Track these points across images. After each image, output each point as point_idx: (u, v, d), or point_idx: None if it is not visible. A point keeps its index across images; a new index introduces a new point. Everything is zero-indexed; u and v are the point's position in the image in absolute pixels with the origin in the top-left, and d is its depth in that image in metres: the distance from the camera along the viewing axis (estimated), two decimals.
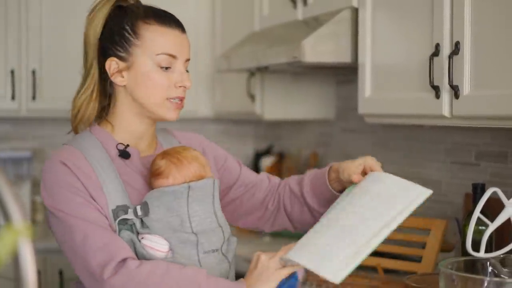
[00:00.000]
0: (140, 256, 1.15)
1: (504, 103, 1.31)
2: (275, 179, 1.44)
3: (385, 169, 2.11)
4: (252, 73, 2.41)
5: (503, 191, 1.31)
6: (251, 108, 2.45)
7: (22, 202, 2.68)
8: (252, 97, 2.44)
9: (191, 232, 1.17)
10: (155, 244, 1.15)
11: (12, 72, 2.62)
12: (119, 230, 1.16)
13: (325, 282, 1.71)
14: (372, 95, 1.75)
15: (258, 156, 2.92)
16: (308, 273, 1.45)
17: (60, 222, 1.17)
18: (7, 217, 0.68)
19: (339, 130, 2.48)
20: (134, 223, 1.17)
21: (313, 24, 1.92)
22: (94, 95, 1.23)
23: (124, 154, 1.22)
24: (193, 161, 1.21)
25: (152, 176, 1.20)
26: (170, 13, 1.27)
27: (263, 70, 2.24)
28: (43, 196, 1.21)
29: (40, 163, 2.94)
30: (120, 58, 1.21)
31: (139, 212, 1.16)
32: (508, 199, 1.30)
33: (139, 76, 1.21)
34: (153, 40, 1.21)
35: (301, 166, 2.68)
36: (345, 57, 1.82)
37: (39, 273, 2.46)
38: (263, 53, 2.02)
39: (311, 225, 1.26)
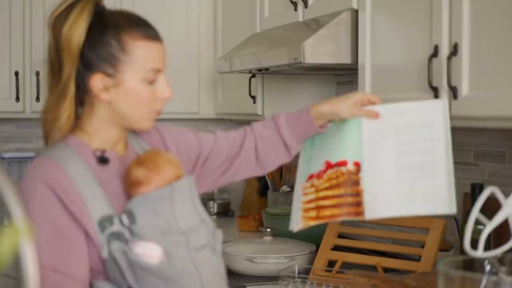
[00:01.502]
0: (133, 265, 1.13)
1: (502, 104, 1.32)
2: (229, 135, 1.43)
3: None
4: (253, 74, 2.42)
5: (502, 191, 1.32)
6: (252, 109, 2.46)
7: (23, 202, 2.69)
8: (253, 98, 2.45)
9: (179, 232, 1.17)
10: (149, 251, 1.15)
11: (17, 73, 2.64)
12: (109, 241, 1.14)
13: (326, 280, 1.73)
14: None
15: None
16: (311, 272, 1.51)
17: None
18: (9, 217, 0.69)
19: None
20: (122, 233, 1.15)
21: (313, 25, 1.93)
22: (72, 106, 1.18)
23: (103, 159, 1.20)
24: (169, 164, 1.22)
25: (132, 186, 1.20)
26: (149, 23, 1.23)
27: (264, 71, 2.26)
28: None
29: None
30: (107, 75, 1.17)
31: (125, 221, 1.15)
32: (506, 198, 1.31)
33: (127, 92, 1.18)
34: (142, 57, 1.18)
35: None
36: (345, 58, 1.83)
37: None
38: (263, 55, 2.03)
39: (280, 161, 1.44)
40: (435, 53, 1.47)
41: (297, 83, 2.49)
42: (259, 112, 2.46)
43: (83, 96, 1.20)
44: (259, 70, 2.20)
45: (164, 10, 2.75)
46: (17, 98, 2.65)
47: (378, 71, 1.73)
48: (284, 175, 2.72)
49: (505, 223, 1.33)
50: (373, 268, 1.78)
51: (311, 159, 1.47)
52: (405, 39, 1.62)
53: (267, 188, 2.75)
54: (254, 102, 2.45)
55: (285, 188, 2.67)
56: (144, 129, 1.25)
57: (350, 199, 1.38)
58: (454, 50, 1.42)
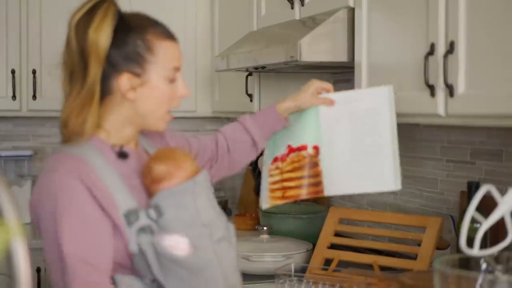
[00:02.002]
0: (161, 257, 1.17)
1: (499, 102, 1.32)
2: (207, 138, 1.55)
3: None
4: (250, 72, 2.42)
5: (498, 189, 1.32)
6: (249, 107, 2.46)
7: (17, 200, 2.68)
8: (250, 96, 2.45)
9: (203, 224, 1.22)
10: (176, 244, 1.18)
11: (13, 71, 2.64)
12: (138, 234, 1.17)
13: (322, 278, 1.73)
14: None
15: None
16: (308, 270, 1.58)
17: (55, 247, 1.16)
18: (0, 215, 0.69)
19: None
20: (150, 226, 1.18)
21: (310, 23, 1.93)
22: (98, 108, 1.20)
23: (123, 154, 1.24)
24: (187, 159, 1.27)
25: (154, 182, 1.23)
26: (165, 24, 1.28)
27: (260, 69, 2.26)
28: (44, 205, 1.17)
29: (40, 162, 2.96)
30: (134, 74, 1.21)
31: (153, 215, 1.19)
32: (502, 196, 1.31)
33: (152, 91, 1.23)
34: (166, 56, 1.23)
35: None
36: (341, 57, 1.83)
37: (38, 270, 2.47)
38: (260, 53, 2.03)
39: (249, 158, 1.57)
40: (431, 51, 1.47)
41: (294, 82, 2.49)
42: (256, 111, 2.46)
43: (105, 96, 1.22)
44: (256, 68, 2.19)
45: (161, 9, 2.74)
46: (14, 97, 2.65)
47: (375, 69, 1.73)
48: None
49: (501, 221, 1.33)
50: (369, 266, 1.77)
51: (275, 144, 1.63)
52: (402, 37, 1.61)
53: None
54: (251, 101, 2.45)
55: None
56: (158, 130, 1.29)
57: (311, 180, 1.55)
58: (451, 48, 1.42)
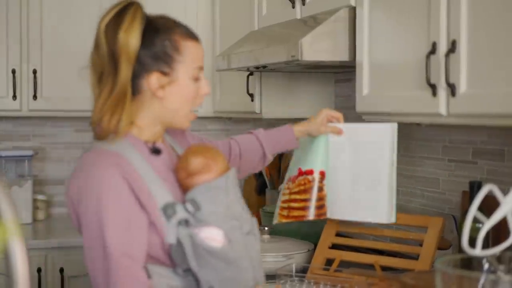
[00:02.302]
0: (198, 249, 1.22)
1: (501, 101, 1.31)
2: (221, 143, 1.64)
3: None
4: (251, 72, 2.41)
5: (500, 189, 1.31)
6: (250, 107, 2.45)
7: (17, 200, 2.69)
8: (251, 96, 2.44)
9: (234, 218, 1.29)
10: (213, 235, 1.25)
11: (14, 71, 2.64)
12: (177, 227, 1.23)
13: (323, 279, 1.72)
14: (370, 93, 1.75)
15: None
16: (309, 271, 1.62)
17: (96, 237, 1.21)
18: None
19: None
20: (188, 220, 1.24)
21: (311, 23, 1.92)
22: (131, 107, 1.26)
23: (156, 150, 1.31)
24: (219, 154, 1.35)
25: (190, 175, 1.29)
26: (188, 25, 1.35)
27: (261, 69, 2.25)
28: (85, 197, 1.22)
29: (41, 162, 2.96)
30: (163, 74, 1.27)
31: (190, 209, 1.25)
32: (504, 196, 1.30)
33: (179, 89, 1.29)
34: (192, 55, 1.29)
35: None
36: (342, 56, 1.82)
37: (39, 270, 2.47)
38: (261, 52, 2.02)
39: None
40: (433, 50, 1.46)
41: (295, 81, 2.48)
42: (257, 110, 2.45)
43: (135, 95, 1.28)
44: (257, 68, 2.19)
45: (162, 8, 2.72)
46: (14, 96, 2.64)
47: (376, 68, 1.72)
48: (282, 174, 2.71)
49: (503, 221, 1.32)
50: (371, 266, 1.77)
51: (292, 165, 1.78)
52: (403, 36, 1.61)
53: (265, 186, 2.75)
54: (252, 100, 2.44)
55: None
56: (183, 128, 1.35)
57: (315, 203, 1.69)
58: (452, 47, 1.41)
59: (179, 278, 1.26)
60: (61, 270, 2.51)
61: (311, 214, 1.68)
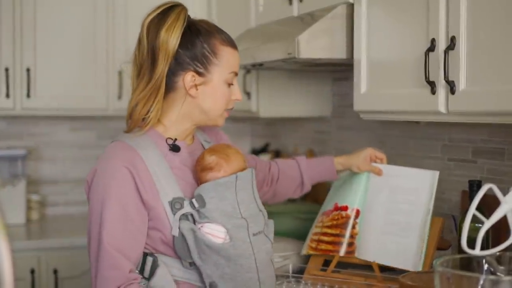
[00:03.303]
0: (199, 243, 1.28)
1: (501, 99, 1.29)
2: (262, 161, 1.70)
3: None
4: (247, 70, 2.39)
5: (500, 188, 1.29)
6: (247, 105, 2.43)
7: (11, 200, 2.66)
8: (248, 94, 2.42)
9: (241, 217, 1.32)
10: (215, 232, 1.30)
11: (7, 70, 2.61)
12: (180, 221, 1.29)
13: (321, 280, 1.70)
14: (368, 91, 1.73)
15: (254, 153, 2.90)
16: (306, 271, 1.61)
17: (96, 221, 1.29)
18: None
19: (335, 127, 2.46)
20: (191, 214, 1.30)
21: (308, 20, 1.90)
22: (162, 100, 1.33)
23: (175, 147, 1.36)
24: (237, 155, 1.38)
25: (203, 170, 1.35)
26: (228, 33, 1.41)
27: (258, 67, 2.23)
28: (96, 185, 1.30)
29: (35, 161, 2.93)
30: (199, 74, 1.35)
31: (196, 204, 1.30)
32: (504, 195, 1.28)
33: (212, 90, 1.36)
34: (228, 61, 1.37)
35: None
36: (340, 53, 1.80)
37: (33, 271, 2.44)
38: (258, 50, 2.00)
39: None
40: (431, 47, 1.44)
41: (293, 80, 2.46)
42: (254, 109, 2.43)
43: (169, 92, 1.35)
44: (254, 65, 2.17)
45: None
46: (7, 95, 2.61)
47: (374, 66, 1.70)
48: None
49: (503, 221, 1.30)
50: (369, 267, 1.75)
51: (329, 199, 1.81)
52: (402, 33, 1.59)
53: None
54: (249, 98, 2.42)
55: None
56: (217, 125, 1.42)
57: (344, 240, 1.70)
58: (451, 44, 1.39)
59: (185, 269, 1.32)
60: (55, 271, 2.48)
61: (341, 251, 1.70)
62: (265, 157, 2.82)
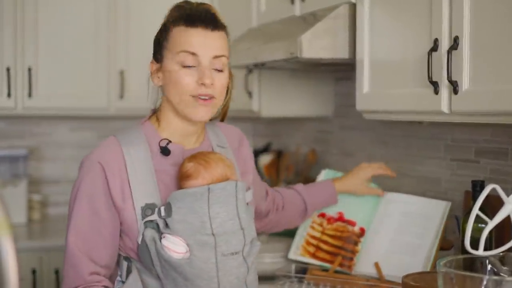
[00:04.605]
0: (159, 255, 1.18)
1: (504, 99, 1.29)
2: (272, 192, 1.63)
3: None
4: (249, 69, 2.39)
5: (503, 188, 1.29)
6: (249, 105, 2.43)
7: (12, 199, 2.65)
8: (249, 94, 2.42)
9: (211, 233, 1.19)
10: (173, 246, 1.18)
11: (8, 69, 2.60)
12: (145, 228, 1.20)
13: (323, 280, 1.69)
14: (370, 91, 1.73)
15: (256, 153, 2.90)
16: (308, 271, 1.62)
17: (69, 219, 1.25)
18: None
19: (338, 127, 2.46)
20: (157, 223, 1.20)
21: (310, 19, 1.90)
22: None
23: (165, 151, 1.26)
24: (219, 162, 1.25)
25: (181, 178, 1.23)
26: (204, 10, 1.28)
27: (260, 66, 2.22)
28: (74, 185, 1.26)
29: (36, 161, 2.93)
30: (156, 60, 1.29)
31: (163, 213, 1.19)
32: (508, 196, 1.28)
33: (167, 75, 1.25)
34: (176, 40, 1.25)
35: (300, 164, 2.66)
36: (342, 53, 1.80)
37: (34, 271, 2.44)
38: (260, 50, 2.00)
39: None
40: (435, 47, 1.44)
41: (295, 79, 2.46)
42: (256, 108, 2.43)
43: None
44: (256, 65, 2.16)
45: (159, 6, 2.71)
46: (9, 95, 2.61)
47: (377, 66, 1.70)
48: (281, 173, 2.69)
49: (507, 221, 1.30)
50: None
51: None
52: (404, 33, 1.58)
53: None
54: (251, 98, 2.42)
55: (282, 186, 2.63)
56: (192, 119, 1.25)
57: (345, 253, 1.70)
58: (455, 44, 1.39)
59: (155, 278, 1.22)
60: (57, 271, 2.48)
61: (337, 262, 1.70)
62: (267, 157, 2.81)
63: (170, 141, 1.27)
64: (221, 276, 1.19)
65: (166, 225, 1.20)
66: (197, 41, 1.24)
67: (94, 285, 1.22)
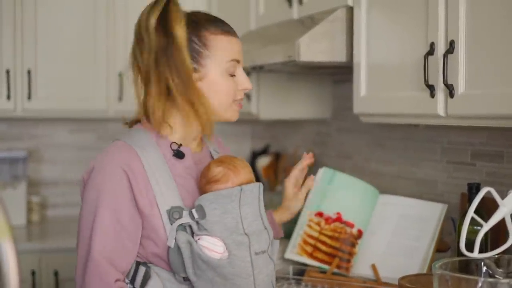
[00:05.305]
0: (197, 256, 1.19)
1: (499, 102, 1.30)
2: None
3: (383, 168, 2.10)
4: (247, 72, 2.40)
5: (499, 191, 1.30)
6: (247, 107, 2.44)
7: (11, 202, 2.66)
8: (248, 96, 2.43)
9: (244, 233, 1.21)
10: (212, 246, 1.20)
11: (8, 71, 2.61)
12: (176, 232, 1.20)
13: (321, 282, 1.70)
14: (367, 94, 1.74)
15: (254, 155, 2.91)
16: (306, 273, 1.62)
17: (88, 220, 1.21)
18: None
19: (335, 129, 2.47)
20: (190, 225, 1.21)
21: (308, 23, 1.91)
22: (163, 100, 1.25)
23: (179, 154, 1.27)
24: (246, 167, 1.29)
25: (208, 182, 1.25)
26: (223, 20, 1.31)
27: (258, 69, 2.23)
28: (88, 187, 1.22)
29: (35, 163, 2.94)
30: (194, 70, 1.25)
31: (196, 215, 1.20)
32: (503, 198, 1.29)
33: (211, 84, 1.26)
34: (222, 49, 1.26)
35: None
36: (340, 57, 1.81)
37: (33, 273, 2.45)
38: (258, 53, 2.01)
39: None
40: (431, 51, 1.45)
41: (293, 82, 2.47)
42: (254, 111, 2.44)
43: (170, 91, 1.24)
44: (254, 68, 2.17)
45: None
46: (8, 97, 2.62)
47: (374, 69, 1.71)
48: (279, 175, 2.70)
49: (502, 223, 1.31)
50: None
51: (325, 196, 1.77)
52: (401, 37, 1.59)
53: None
54: (249, 101, 2.43)
55: (280, 188, 2.64)
56: (231, 120, 1.31)
57: (343, 255, 1.71)
58: (450, 48, 1.40)
59: (178, 284, 1.23)
60: (56, 273, 2.48)
61: (335, 263, 1.70)
62: (265, 159, 2.82)
63: (181, 144, 1.28)
64: (256, 274, 1.22)
65: (199, 227, 1.21)
66: (239, 49, 1.30)
67: None
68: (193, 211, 1.20)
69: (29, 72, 2.64)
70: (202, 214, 1.20)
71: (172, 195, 1.22)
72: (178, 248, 1.19)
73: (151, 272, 1.23)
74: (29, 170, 2.89)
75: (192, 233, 1.21)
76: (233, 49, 1.28)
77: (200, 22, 1.27)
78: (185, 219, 1.20)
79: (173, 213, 1.20)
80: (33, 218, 2.83)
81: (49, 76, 2.68)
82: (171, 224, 1.20)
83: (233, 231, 1.21)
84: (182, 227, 1.21)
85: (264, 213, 1.28)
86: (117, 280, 1.21)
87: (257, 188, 1.27)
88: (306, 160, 1.54)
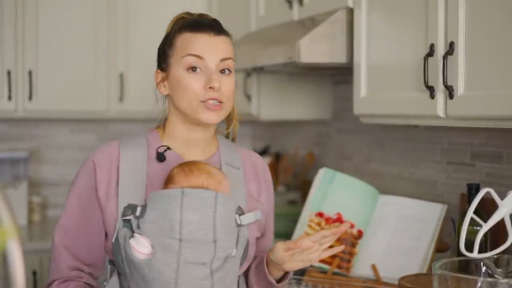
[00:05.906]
0: (125, 253, 1.17)
1: (499, 104, 1.31)
2: (270, 240, 1.44)
3: (383, 169, 2.12)
4: (248, 73, 2.41)
5: (499, 192, 1.31)
6: (248, 108, 2.45)
7: (12, 202, 2.67)
8: (248, 97, 2.44)
9: (178, 238, 1.14)
10: (137, 245, 1.15)
11: (9, 72, 2.62)
12: (122, 227, 1.20)
13: (321, 282, 1.71)
14: (367, 95, 1.74)
15: None
16: (306, 273, 1.62)
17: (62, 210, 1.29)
18: None
19: (336, 130, 2.48)
20: (131, 222, 1.19)
21: (308, 24, 1.92)
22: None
23: (160, 156, 1.26)
24: (204, 173, 1.20)
25: (165, 182, 1.23)
26: (207, 18, 1.29)
27: (259, 70, 2.24)
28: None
29: (36, 164, 2.94)
30: (161, 69, 1.29)
31: (138, 213, 1.18)
32: (502, 199, 1.30)
33: (174, 83, 1.25)
34: (181, 45, 1.25)
35: (298, 167, 2.68)
36: (340, 58, 1.82)
37: (35, 273, 2.45)
38: (258, 54, 2.02)
39: None
40: (431, 52, 1.46)
41: (293, 83, 2.48)
42: (254, 112, 2.45)
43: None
44: (254, 69, 2.18)
45: (158, 9, 2.73)
46: (9, 98, 2.63)
47: (374, 70, 1.72)
48: (280, 176, 2.71)
49: (502, 224, 1.32)
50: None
51: (326, 195, 1.78)
52: (401, 38, 1.60)
53: None
54: (249, 102, 2.44)
55: (280, 189, 2.65)
56: (203, 121, 1.23)
57: (342, 255, 1.72)
58: (450, 49, 1.41)
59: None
60: None
61: (335, 264, 1.71)
62: (265, 160, 2.83)
63: (169, 148, 1.27)
64: (180, 283, 1.14)
65: (138, 225, 1.18)
66: (203, 45, 1.23)
67: (73, 279, 1.22)
68: (138, 209, 1.18)
69: (30, 73, 2.65)
70: (143, 213, 1.17)
71: (137, 193, 1.21)
72: (118, 243, 1.18)
73: (114, 270, 1.23)
74: (30, 171, 2.90)
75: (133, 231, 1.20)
76: (192, 45, 1.23)
77: (177, 23, 1.29)
78: (130, 216, 1.18)
79: (126, 210, 1.18)
80: (34, 218, 2.83)
81: (50, 77, 2.69)
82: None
83: (164, 234, 1.14)
84: (129, 224, 1.18)
85: (222, 226, 1.16)
86: (74, 269, 1.22)
87: (210, 197, 1.16)
88: (341, 228, 1.28)
